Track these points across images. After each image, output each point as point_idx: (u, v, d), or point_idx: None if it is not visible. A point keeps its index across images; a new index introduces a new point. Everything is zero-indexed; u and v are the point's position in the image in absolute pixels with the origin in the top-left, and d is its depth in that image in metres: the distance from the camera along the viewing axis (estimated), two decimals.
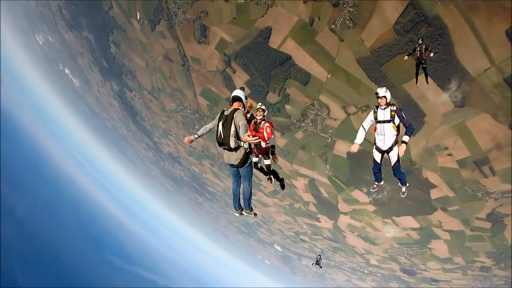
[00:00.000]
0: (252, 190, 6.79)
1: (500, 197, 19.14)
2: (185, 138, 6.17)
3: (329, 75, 19.70)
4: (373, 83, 18.39)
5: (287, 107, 22.73)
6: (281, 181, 9.03)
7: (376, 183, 8.13)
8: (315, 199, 29.26)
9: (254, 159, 8.85)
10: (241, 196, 6.92)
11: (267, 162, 8.61)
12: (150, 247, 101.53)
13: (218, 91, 25.64)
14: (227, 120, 5.86)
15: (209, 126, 6.32)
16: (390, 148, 7.08)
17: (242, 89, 6.45)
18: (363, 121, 7.15)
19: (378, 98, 6.80)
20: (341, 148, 22.73)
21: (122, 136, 52.95)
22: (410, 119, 20.24)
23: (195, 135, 6.17)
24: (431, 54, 11.27)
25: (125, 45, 30.33)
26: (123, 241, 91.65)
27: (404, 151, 6.71)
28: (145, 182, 72.38)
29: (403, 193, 8.08)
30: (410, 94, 17.45)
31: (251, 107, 9.19)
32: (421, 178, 20.74)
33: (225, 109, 6.10)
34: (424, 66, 11.91)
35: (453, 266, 26.89)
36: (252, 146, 8.89)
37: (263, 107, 7.99)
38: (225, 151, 6.07)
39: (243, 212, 7.00)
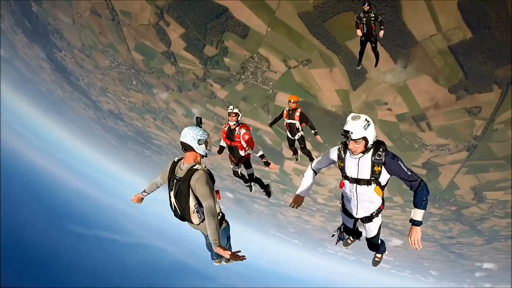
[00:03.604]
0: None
1: (436, 149, 20.18)
2: (132, 198, 4.80)
3: (269, 29, 18.69)
4: (315, 39, 17.69)
5: (226, 60, 21.72)
6: (266, 188, 8.21)
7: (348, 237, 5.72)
8: (260, 146, 29.46)
9: (233, 168, 7.89)
10: None
11: (249, 171, 7.78)
12: (107, 207, 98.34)
13: (153, 45, 23.74)
14: (180, 190, 3.86)
15: (158, 181, 4.57)
16: (368, 219, 4.40)
17: (198, 121, 4.18)
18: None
19: (348, 140, 3.71)
20: (282, 99, 22.35)
21: (58, 98, 49.05)
22: (352, 75, 20.14)
23: (144, 193, 4.78)
24: (381, 33, 8.27)
25: (48, 2, 26.69)
26: (78, 206, 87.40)
27: (418, 239, 3.84)
28: (91, 142, 69.02)
29: (376, 262, 5.43)
30: (353, 52, 16.98)
31: (297, 102, 7.98)
32: None
33: (175, 159, 4.15)
34: (373, 45, 8.82)
35: (392, 204, 28.75)
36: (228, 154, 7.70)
37: (235, 110, 6.86)
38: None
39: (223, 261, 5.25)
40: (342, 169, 4.06)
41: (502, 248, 31.31)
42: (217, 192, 4.14)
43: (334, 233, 5.65)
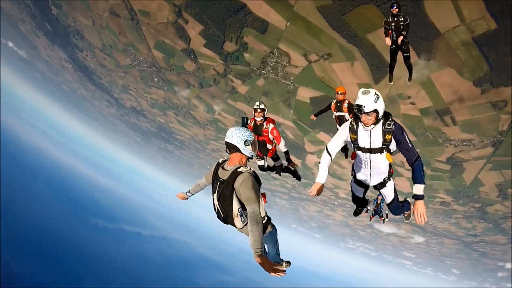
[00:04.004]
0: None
1: (460, 145, 19.69)
2: (177, 194, 4.81)
3: (288, 23, 18.56)
4: (335, 32, 17.45)
5: (246, 55, 21.71)
6: (295, 173, 8.25)
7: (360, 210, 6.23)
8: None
9: (259, 162, 7.92)
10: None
11: (278, 163, 7.89)
12: (130, 202, 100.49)
13: (172, 43, 23.97)
14: (224, 193, 3.69)
15: (202, 182, 4.51)
16: (382, 184, 4.71)
17: (244, 121, 4.34)
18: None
19: (360, 113, 3.99)
20: (304, 94, 22.30)
21: (81, 96, 50.52)
22: (374, 69, 19.75)
23: (188, 193, 4.72)
24: (399, 38, 7.34)
25: (67, 5, 27.30)
26: (102, 201, 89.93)
27: (423, 213, 4.01)
28: (114, 138, 70.54)
29: (407, 217, 5.63)
30: (375, 45, 16.79)
31: (345, 93, 7.74)
32: None
33: (220, 160, 4.04)
34: (406, 54, 7.83)
35: None
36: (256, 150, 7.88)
37: (261, 106, 6.80)
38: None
39: None
40: (355, 141, 4.33)
41: None
42: (263, 195, 3.96)
43: (368, 208, 5.78)
